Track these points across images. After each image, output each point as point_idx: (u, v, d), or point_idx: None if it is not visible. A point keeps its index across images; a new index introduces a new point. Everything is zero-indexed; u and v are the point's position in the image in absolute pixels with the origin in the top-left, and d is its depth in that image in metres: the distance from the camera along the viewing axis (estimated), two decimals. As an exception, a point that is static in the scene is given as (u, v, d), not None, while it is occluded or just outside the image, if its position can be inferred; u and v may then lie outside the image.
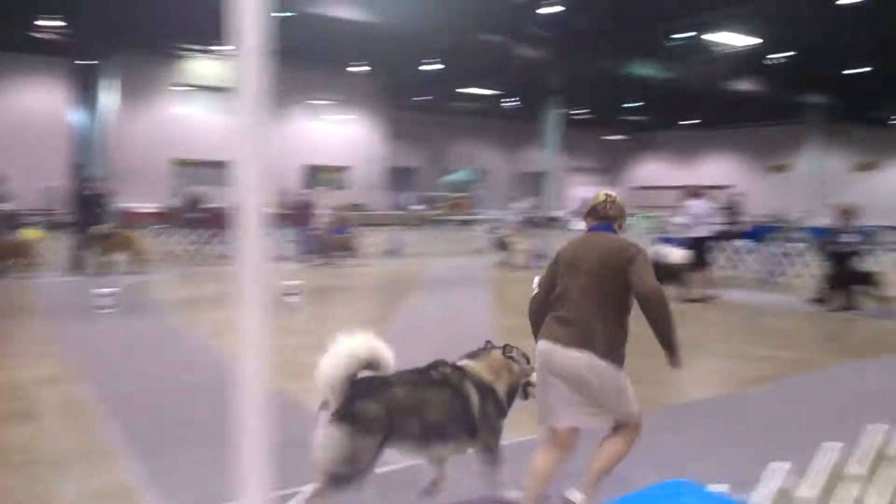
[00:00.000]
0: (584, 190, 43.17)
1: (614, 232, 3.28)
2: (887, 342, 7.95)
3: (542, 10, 16.82)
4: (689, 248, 10.42)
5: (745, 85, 24.24)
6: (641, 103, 31.90)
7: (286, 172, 25.89)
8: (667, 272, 9.21)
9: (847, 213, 10.00)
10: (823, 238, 10.84)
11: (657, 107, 32.39)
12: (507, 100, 32.87)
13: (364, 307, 10.50)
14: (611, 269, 3.09)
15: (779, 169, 26.15)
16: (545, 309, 3.27)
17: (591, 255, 3.15)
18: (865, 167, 23.96)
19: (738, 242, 14.51)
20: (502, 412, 3.35)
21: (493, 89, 29.58)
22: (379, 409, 2.95)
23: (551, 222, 22.66)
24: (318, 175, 30.36)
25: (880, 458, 3.48)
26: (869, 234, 11.48)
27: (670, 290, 7.62)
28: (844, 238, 9.84)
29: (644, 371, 5.87)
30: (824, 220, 27.22)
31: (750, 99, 26.41)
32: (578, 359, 3.03)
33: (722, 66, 22.01)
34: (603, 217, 3.31)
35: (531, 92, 27.07)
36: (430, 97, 32.13)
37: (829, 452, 3.47)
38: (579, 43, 19.57)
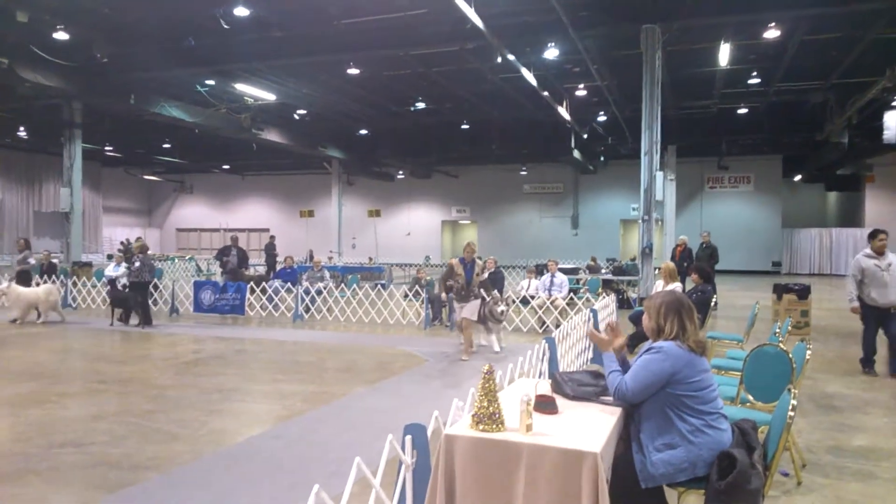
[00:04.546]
0: (123, 231, 39.67)
1: (473, 260, 10.17)
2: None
3: (56, 36, 15.04)
4: None
5: (275, 136, 26.18)
6: (171, 145, 31.31)
7: None
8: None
9: (142, 249, 12.82)
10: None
11: (192, 150, 32.25)
12: (22, 129, 28.18)
13: None
14: (474, 273, 10.04)
15: (308, 214, 29.02)
16: (450, 287, 10.06)
17: (467, 268, 9.98)
18: (374, 214, 28.55)
19: (276, 282, 15.47)
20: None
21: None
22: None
23: (82, 268, 20.08)
24: None
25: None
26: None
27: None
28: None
29: (178, 427, 5.83)
30: (345, 260, 31.15)
31: (281, 149, 28.62)
32: (474, 301, 9.83)
33: (251, 116, 23.22)
34: (470, 252, 10.14)
35: (48, 123, 23.83)
36: None
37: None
38: (93, 75, 18.12)
